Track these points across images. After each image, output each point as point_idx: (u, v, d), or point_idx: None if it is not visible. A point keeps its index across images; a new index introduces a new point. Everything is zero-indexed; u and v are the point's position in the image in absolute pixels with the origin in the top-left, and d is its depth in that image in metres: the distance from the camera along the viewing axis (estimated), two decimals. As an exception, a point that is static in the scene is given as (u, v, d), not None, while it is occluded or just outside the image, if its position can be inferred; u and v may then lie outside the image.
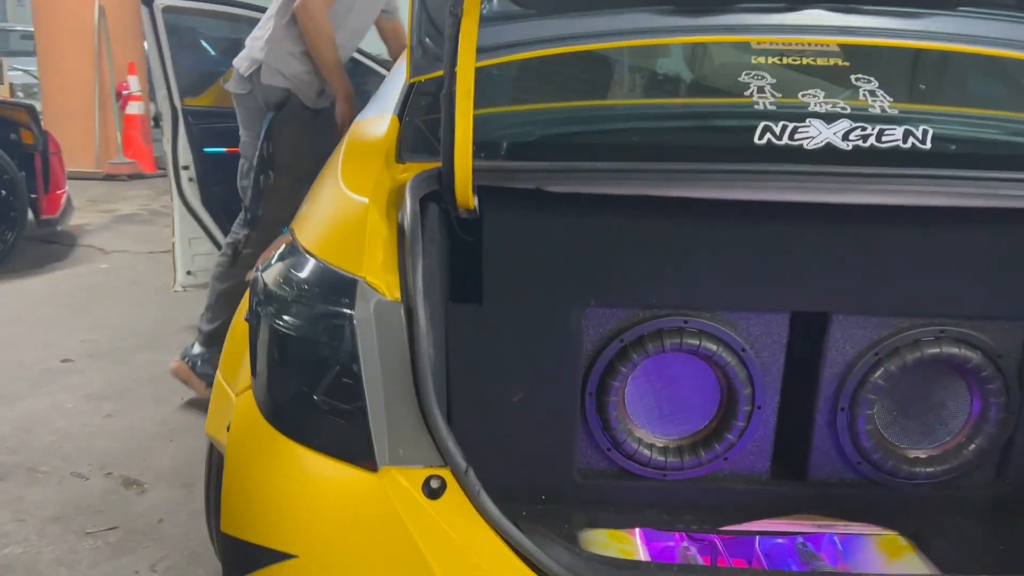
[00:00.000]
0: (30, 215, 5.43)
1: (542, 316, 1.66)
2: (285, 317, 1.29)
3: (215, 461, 1.96)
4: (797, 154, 1.49)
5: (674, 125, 1.74)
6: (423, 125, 1.66)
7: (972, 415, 1.75)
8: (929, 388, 1.75)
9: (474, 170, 1.38)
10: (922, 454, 1.78)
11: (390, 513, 1.20)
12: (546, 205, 1.55)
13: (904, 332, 1.69)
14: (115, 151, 8.95)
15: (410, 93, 1.71)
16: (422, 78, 1.65)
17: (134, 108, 8.85)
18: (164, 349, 4.11)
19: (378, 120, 1.72)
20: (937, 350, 1.68)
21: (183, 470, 2.95)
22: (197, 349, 3.49)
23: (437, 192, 1.46)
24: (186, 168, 4.06)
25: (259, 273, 1.37)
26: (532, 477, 1.75)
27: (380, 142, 1.60)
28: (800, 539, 1.76)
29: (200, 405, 3.53)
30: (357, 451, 1.22)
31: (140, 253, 5.84)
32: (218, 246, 4.21)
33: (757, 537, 1.77)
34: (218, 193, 4.13)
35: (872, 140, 1.51)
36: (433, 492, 1.22)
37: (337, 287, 1.26)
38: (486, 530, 1.22)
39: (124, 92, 8.84)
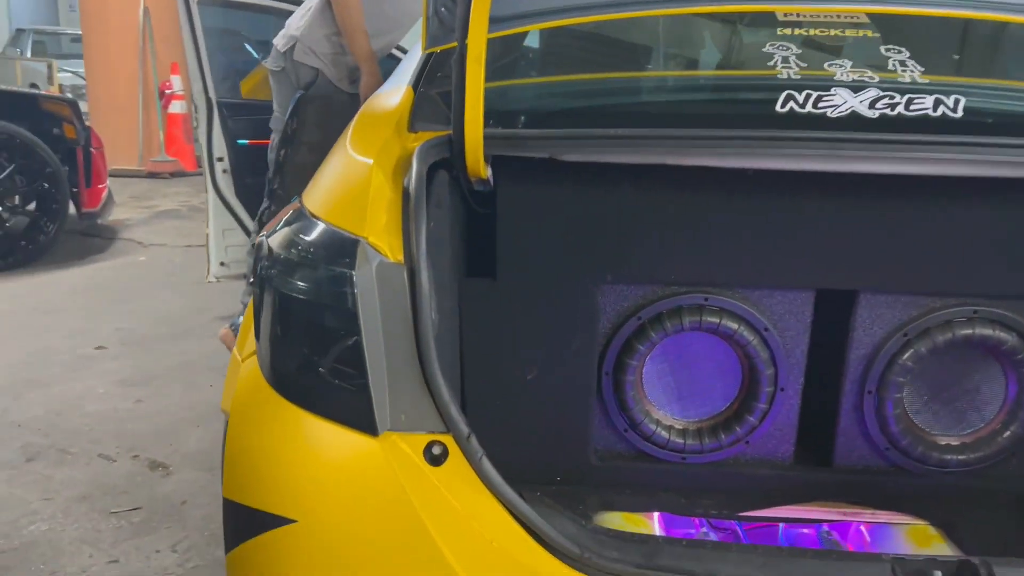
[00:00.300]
0: (71, 208, 5.52)
1: (557, 292, 1.62)
2: (286, 279, 1.27)
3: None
4: (820, 122, 1.43)
5: (693, 95, 1.69)
6: (437, 95, 1.64)
7: (1007, 400, 1.68)
8: (962, 372, 1.68)
9: (485, 138, 1.35)
10: (954, 441, 1.70)
11: (391, 479, 1.17)
12: (561, 176, 1.51)
13: (935, 312, 1.62)
14: (157, 149, 9.11)
15: (426, 64, 1.68)
16: (437, 49, 1.62)
17: (176, 107, 8.99)
18: (195, 338, 4.16)
19: (393, 92, 1.70)
20: (970, 331, 1.60)
21: (208, 454, 2.97)
22: (240, 319, 3.53)
23: (448, 161, 1.43)
24: (220, 160, 4.11)
25: (264, 238, 1.35)
26: (547, 458, 1.71)
27: (392, 111, 1.58)
28: (825, 527, 1.70)
29: (228, 392, 3.56)
30: (358, 415, 1.20)
31: (178, 247, 5.92)
32: (252, 238, 4.27)
33: (780, 524, 1.71)
34: (252, 185, 4.17)
35: (900, 108, 1.44)
36: (435, 458, 1.19)
37: (338, 248, 1.23)
38: (489, 498, 1.18)
39: (167, 91, 8.99)
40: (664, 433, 1.71)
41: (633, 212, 1.57)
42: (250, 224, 4.23)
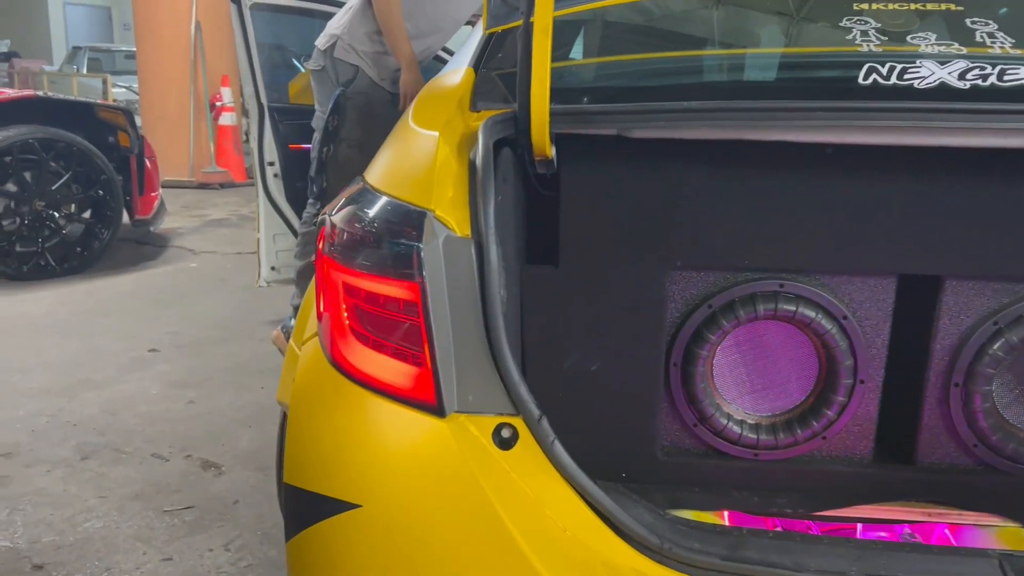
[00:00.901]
0: (125, 216, 5.60)
1: (623, 279, 1.55)
2: (350, 255, 1.22)
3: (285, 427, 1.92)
4: (907, 93, 1.35)
5: (768, 72, 1.61)
6: (499, 75, 1.59)
7: None
8: None
9: (552, 114, 1.29)
10: None
11: (460, 462, 1.11)
12: (629, 155, 1.45)
13: None
14: (208, 160, 9.24)
15: (487, 44, 1.64)
16: (499, 28, 1.58)
17: (226, 119, 9.12)
18: (245, 341, 4.17)
19: (454, 72, 1.65)
20: None
21: (259, 454, 2.95)
22: (291, 322, 3.54)
23: (511, 139, 1.38)
24: (271, 164, 4.12)
25: (327, 216, 1.31)
26: (611, 453, 1.64)
27: (454, 90, 1.53)
28: (906, 528, 1.60)
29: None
30: (424, 396, 1.15)
31: (228, 254, 5.97)
32: (301, 241, 4.27)
33: (859, 525, 1.62)
34: (302, 189, 4.18)
35: (992, 79, 1.36)
36: (504, 442, 1.13)
37: (405, 221, 1.18)
38: (561, 485, 1.12)
39: (217, 103, 9.13)
40: (736, 428, 1.63)
41: (705, 193, 1.50)
42: (299, 228, 4.25)
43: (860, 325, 1.57)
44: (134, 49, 9.97)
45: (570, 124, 1.38)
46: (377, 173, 1.35)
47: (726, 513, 1.61)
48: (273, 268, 4.32)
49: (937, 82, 1.37)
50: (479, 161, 1.21)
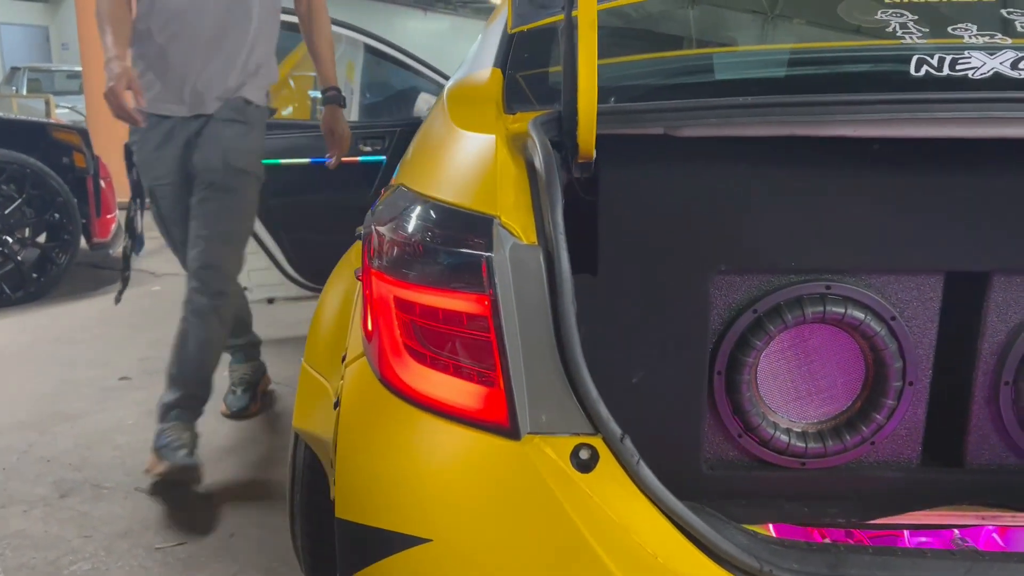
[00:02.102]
0: (82, 240, 5.39)
1: (665, 286, 1.48)
2: (403, 268, 1.13)
3: (303, 457, 1.81)
4: (963, 84, 1.32)
5: (813, 67, 1.56)
6: (528, 76, 1.51)
7: None
8: None
9: (599, 113, 1.22)
10: None
11: (539, 488, 1.03)
12: (671, 155, 1.39)
13: None
14: (161, 181, 8.95)
15: (511, 43, 1.56)
16: (524, 28, 1.50)
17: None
18: (221, 365, 4.00)
19: (477, 76, 1.57)
20: None
21: (251, 484, 2.82)
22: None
23: (554, 141, 1.30)
24: (241, 180, 3.97)
25: (372, 227, 1.21)
26: (653, 468, 1.56)
27: (485, 92, 1.45)
28: (957, 533, 1.55)
29: (263, 417, 3.40)
30: (497, 418, 1.06)
31: (191, 275, 5.78)
32: (275, 261, 4.12)
33: (906, 532, 1.57)
34: (275, 206, 4.04)
35: (1047, 68, 1.33)
36: (583, 464, 1.05)
37: (469, 228, 1.10)
38: (647, 507, 1.04)
39: (170, 122, 8.86)
40: (784, 437, 1.57)
41: (750, 193, 1.44)
42: (273, 247, 4.10)
43: (908, 325, 1.52)
44: (76, 69, 9.68)
45: (615, 123, 1.30)
46: (423, 178, 1.26)
47: (770, 526, 1.55)
48: (245, 288, 4.16)
49: (991, 72, 1.33)
50: (541, 162, 1.13)
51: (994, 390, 1.54)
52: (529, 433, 1.06)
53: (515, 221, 1.10)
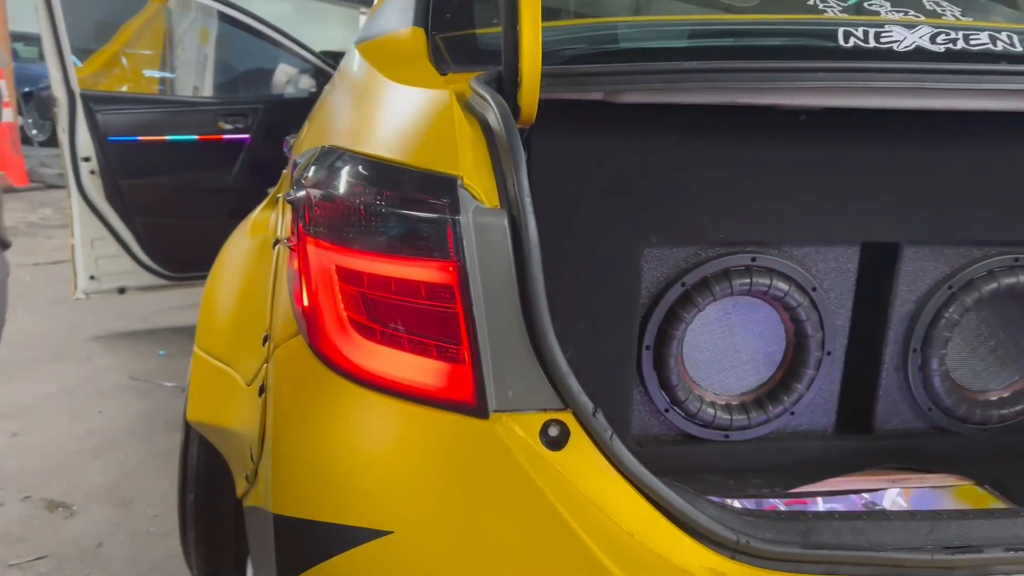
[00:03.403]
0: None
1: (597, 259, 1.43)
2: (348, 234, 1.02)
3: (198, 453, 1.65)
4: (890, 55, 1.34)
5: (746, 38, 1.55)
6: (451, 37, 1.42)
7: None
8: (1001, 323, 1.64)
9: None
10: (992, 396, 1.66)
11: (511, 468, 0.95)
12: (606, 123, 1.34)
13: (978, 263, 1.56)
14: (-21, 164, 8.16)
15: (430, 1, 1.46)
16: (441, -16, 1.41)
17: (7, 115, 8.09)
18: (69, 361, 3.67)
19: (397, 35, 1.46)
20: (1014, 280, 1.56)
21: (116, 488, 2.57)
22: None
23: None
24: (87, 160, 3.64)
25: (305, 191, 1.08)
26: None
27: (412, 51, 1.34)
28: (865, 496, 1.61)
29: (124, 416, 3.11)
30: (463, 396, 0.97)
31: (25, 265, 5.27)
32: (126, 247, 3.80)
33: (819, 499, 1.61)
34: (127, 187, 3.73)
35: (961, 43, 1.37)
36: (552, 441, 0.98)
37: (429, 189, 0.99)
38: (618, 484, 0.99)
39: (-10, 98, 8.07)
40: (710, 410, 1.56)
41: (683, 164, 1.41)
42: (125, 233, 3.78)
43: (827, 296, 1.55)
44: None
45: (557, 86, 1.24)
46: (362, 138, 1.14)
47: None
48: (93, 277, 3.83)
49: (913, 45, 1.36)
50: (499, 120, 1.04)
51: (903, 358, 1.60)
52: (496, 411, 0.98)
53: (476, 183, 1.01)
